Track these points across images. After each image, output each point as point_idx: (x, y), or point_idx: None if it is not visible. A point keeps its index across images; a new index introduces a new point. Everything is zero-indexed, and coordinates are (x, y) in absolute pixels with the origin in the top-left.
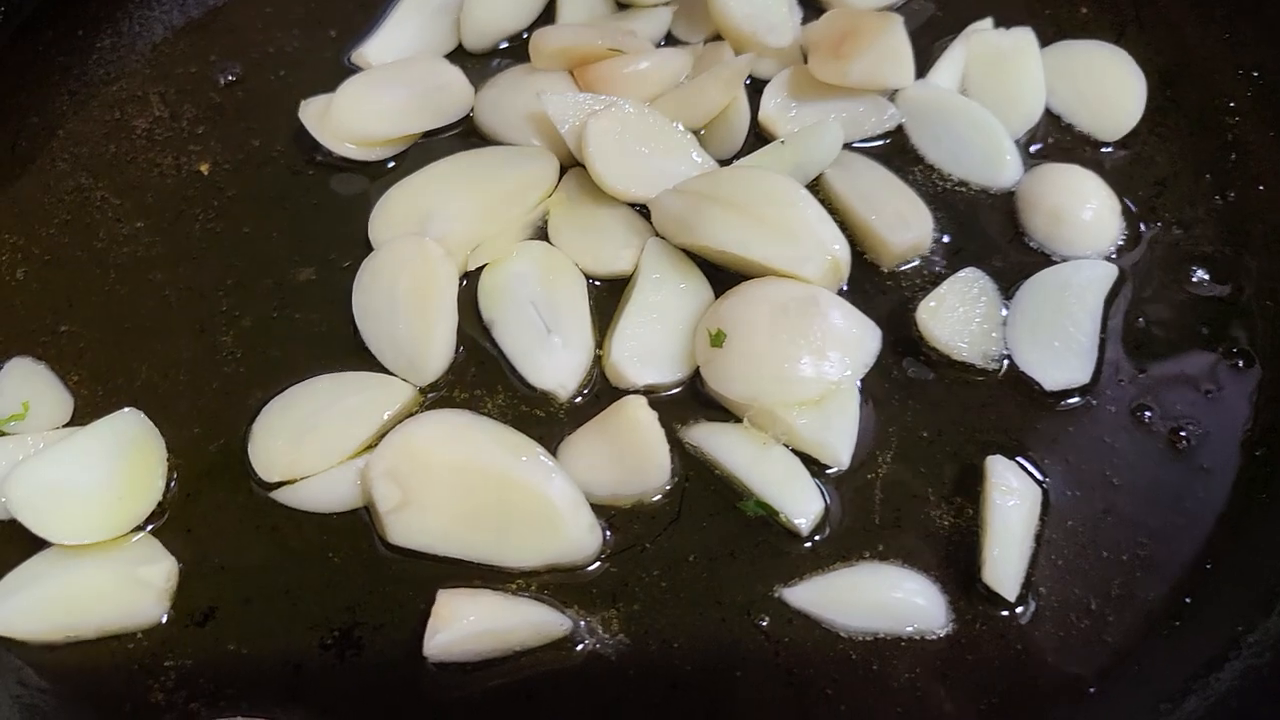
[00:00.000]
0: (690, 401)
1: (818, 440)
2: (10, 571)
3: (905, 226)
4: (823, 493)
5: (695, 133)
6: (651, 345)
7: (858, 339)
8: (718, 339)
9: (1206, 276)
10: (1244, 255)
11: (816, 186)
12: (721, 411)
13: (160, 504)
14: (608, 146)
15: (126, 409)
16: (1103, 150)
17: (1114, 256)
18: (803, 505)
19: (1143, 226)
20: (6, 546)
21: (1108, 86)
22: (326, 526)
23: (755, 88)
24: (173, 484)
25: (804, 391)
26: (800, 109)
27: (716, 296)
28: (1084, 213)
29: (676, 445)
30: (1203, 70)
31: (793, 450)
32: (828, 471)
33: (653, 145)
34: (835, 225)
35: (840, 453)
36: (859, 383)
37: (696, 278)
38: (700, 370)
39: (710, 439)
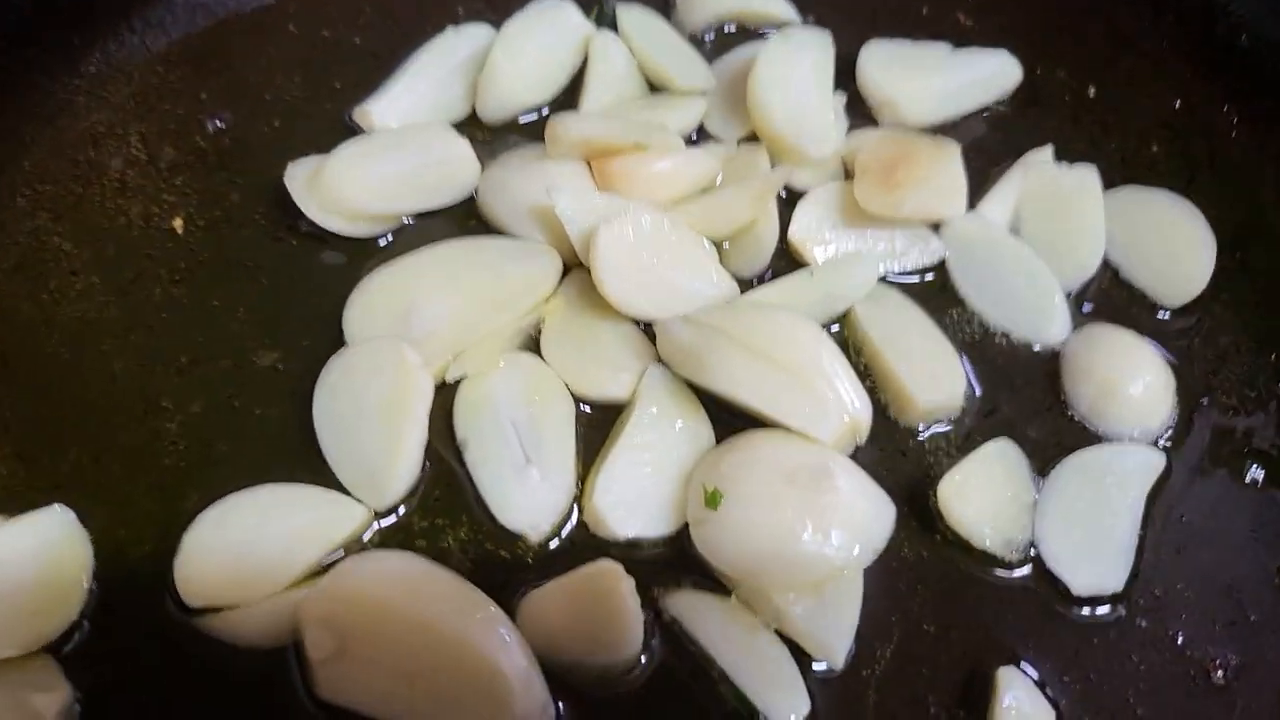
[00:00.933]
0: (675, 557)
1: (813, 633)
2: None
3: (935, 385)
4: (811, 693)
5: (718, 245)
6: (639, 493)
7: (870, 518)
8: (713, 499)
9: (1261, 476)
10: None
11: (843, 320)
12: (708, 577)
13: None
14: (618, 257)
15: (56, 506)
16: (1160, 316)
17: (1163, 441)
18: (787, 707)
19: (1197, 409)
20: None
21: (1175, 245)
22: (252, 666)
23: (789, 199)
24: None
25: (804, 575)
26: (835, 233)
27: (718, 440)
28: (1135, 388)
29: (653, 609)
30: (1278, 233)
31: (782, 637)
32: (815, 666)
33: (668, 258)
34: (857, 380)
35: (836, 652)
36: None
37: (697, 416)
38: (690, 530)
39: (692, 613)
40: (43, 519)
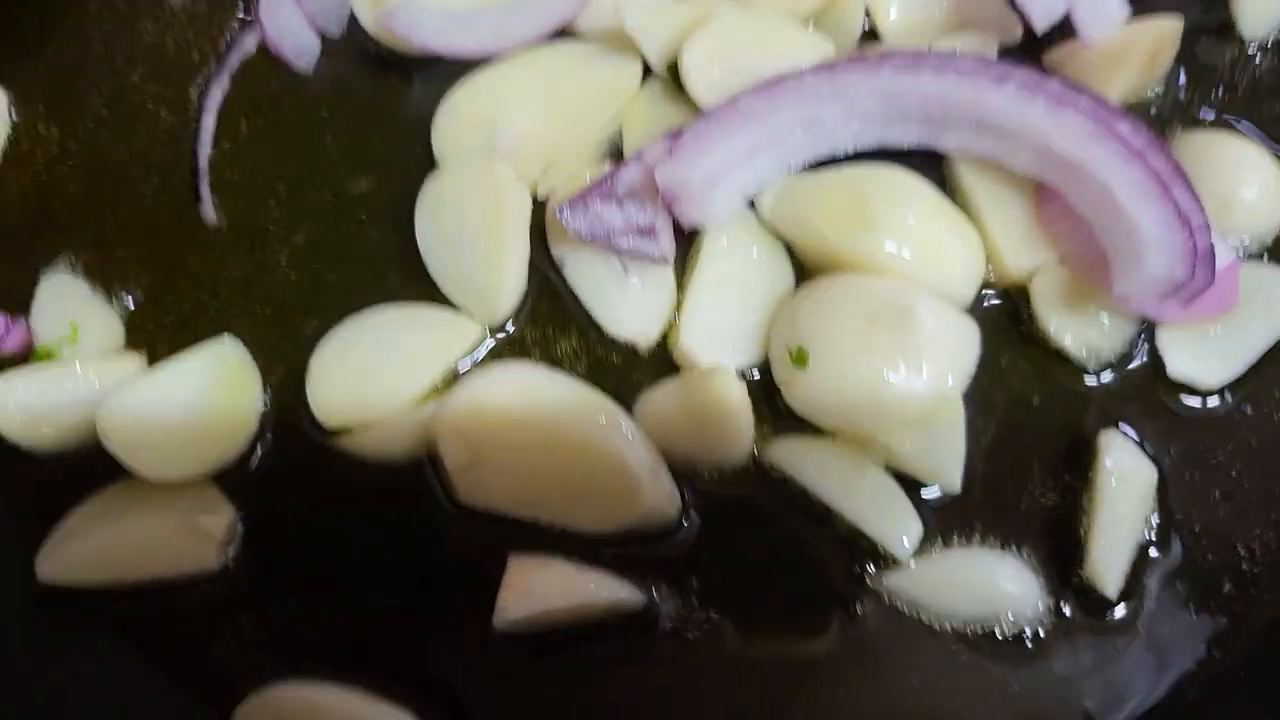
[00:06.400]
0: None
1: (926, 466)
2: (69, 516)
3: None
4: (923, 515)
5: (805, 23)
6: (724, 326)
7: (957, 344)
8: (800, 358)
9: None
10: None
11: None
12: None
13: None
14: (708, 68)
15: (225, 336)
16: None
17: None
18: (901, 530)
19: None
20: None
21: None
22: (391, 478)
23: None
24: None
25: (904, 414)
26: None
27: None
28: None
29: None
30: None
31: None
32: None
33: (758, 50)
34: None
35: (951, 477)
36: None
37: (769, 242)
38: (782, 392)
39: (796, 459)
40: (213, 350)
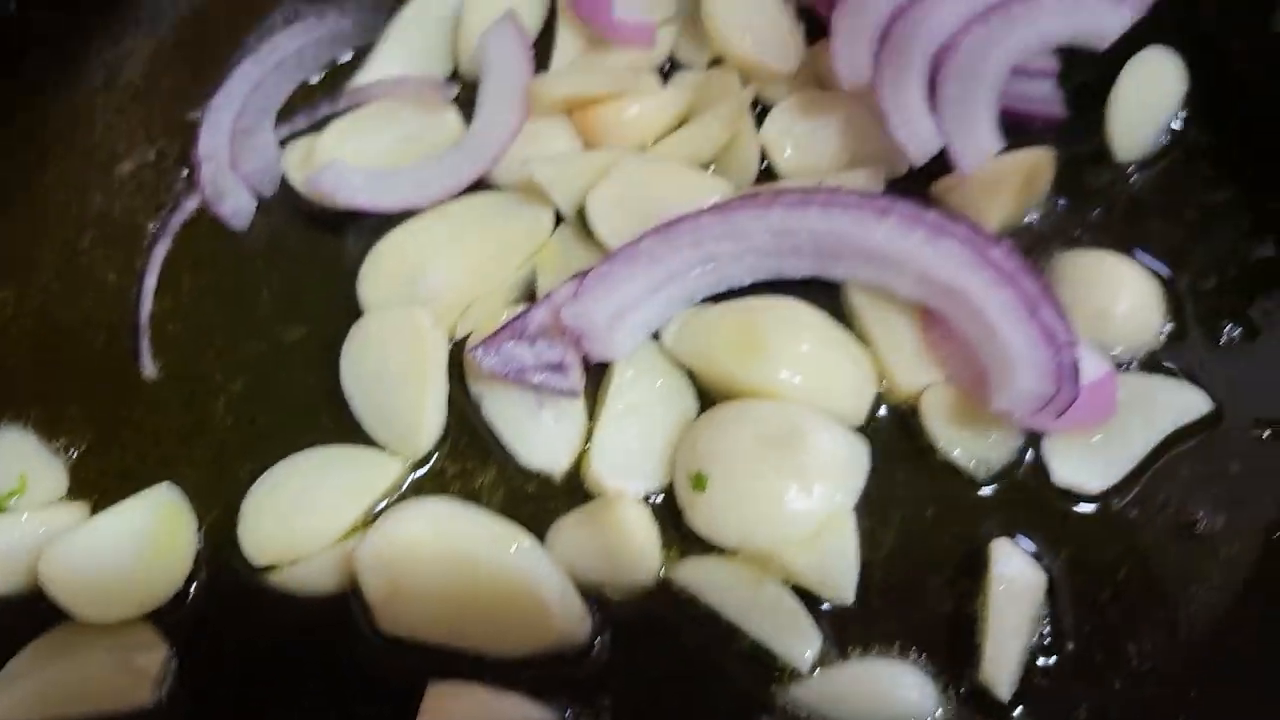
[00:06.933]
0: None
1: (820, 580)
2: (14, 659)
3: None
4: (823, 627)
5: (705, 166)
6: (632, 453)
7: (846, 463)
8: (699, 483)
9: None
10: None
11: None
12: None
13: None
14: (612, 213)
15: (164, 484)
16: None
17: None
18: (801, 643)
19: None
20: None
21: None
22: (317, 611)
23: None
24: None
25: (798, 531)
26: (804, 135)
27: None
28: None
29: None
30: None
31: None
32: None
33: (660, 194)
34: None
35: (845, 590)
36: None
37: (673, 373)
38: (684, 514)
39: (700, 579)
40: (151, 497)
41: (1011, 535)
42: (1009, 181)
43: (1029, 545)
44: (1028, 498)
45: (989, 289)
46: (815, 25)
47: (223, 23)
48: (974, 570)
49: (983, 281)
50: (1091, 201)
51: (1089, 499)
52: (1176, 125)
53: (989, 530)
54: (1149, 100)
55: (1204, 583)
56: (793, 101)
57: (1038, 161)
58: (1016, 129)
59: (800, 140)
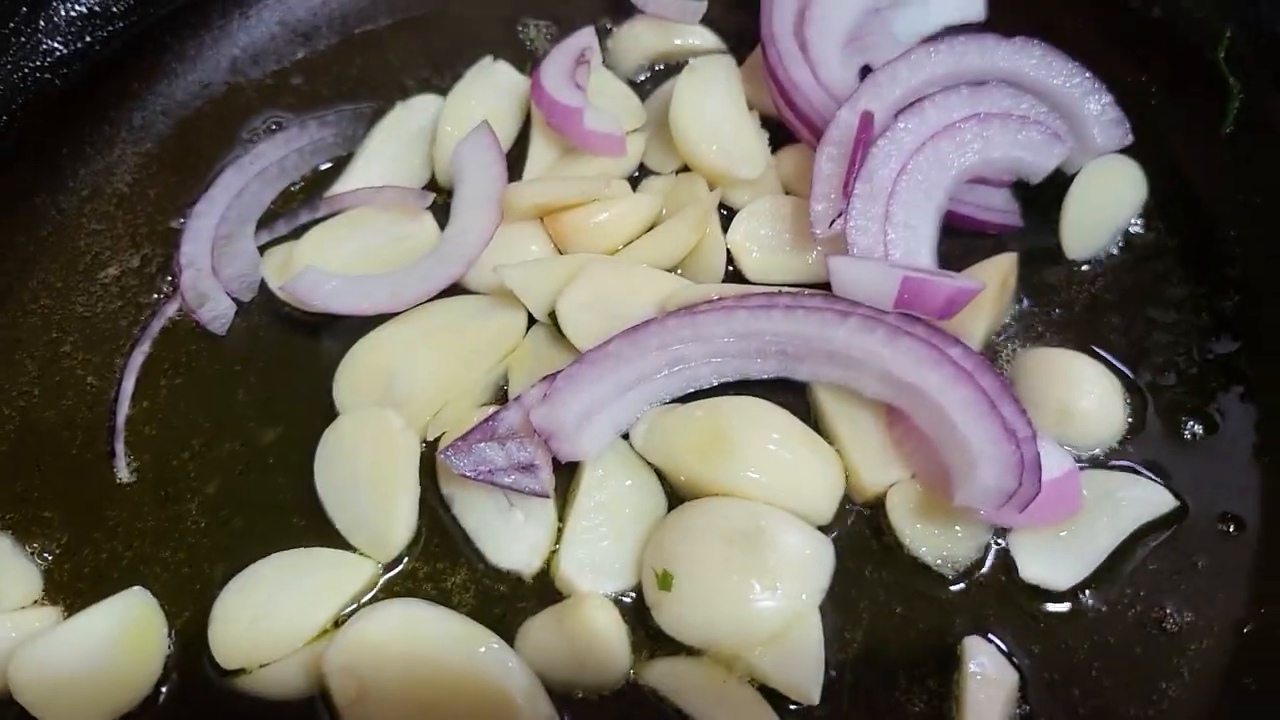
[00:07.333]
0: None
1: (785, 679)
2: None
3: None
4: None
5: (673, 269)
6: (602, 553)
7: (810, 562)
8: (665, 582)
9: (1199, 430)
10: None
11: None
12: None
13: None
14: (582, 317)
15: (135, 588)
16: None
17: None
18: None
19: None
20: None
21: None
22: (288, 714)
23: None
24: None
25: (763, 629)
26: (769, 240)
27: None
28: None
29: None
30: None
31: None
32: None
33: (629, 297)
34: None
35: (810, 690)
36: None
37: (643, 472)
38: (651, 612)
39: (668, 679)
40: (122, 601)
41: (982, 632)
42: (988, 290)
43: (1000, 642)
44: (997, 595)
45: (948, 385)
46: (779, 133)
47: (208, 133)
48: (944, 669)
49: (942, 378)
50: (1052, 300)
51: (1058, 596)
52: (1135, 228)
53: (959, 628)
54: (1104, 203)
55: (1175, 679)
56: (758, 206)
57: (1009, 266)
58: (974, 235)
59: (765, 243)
